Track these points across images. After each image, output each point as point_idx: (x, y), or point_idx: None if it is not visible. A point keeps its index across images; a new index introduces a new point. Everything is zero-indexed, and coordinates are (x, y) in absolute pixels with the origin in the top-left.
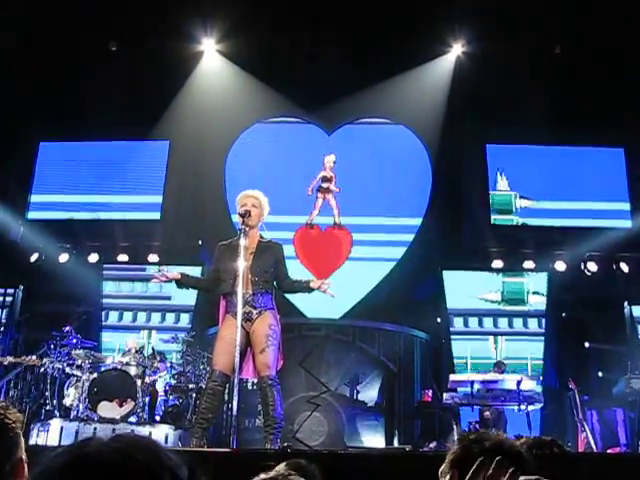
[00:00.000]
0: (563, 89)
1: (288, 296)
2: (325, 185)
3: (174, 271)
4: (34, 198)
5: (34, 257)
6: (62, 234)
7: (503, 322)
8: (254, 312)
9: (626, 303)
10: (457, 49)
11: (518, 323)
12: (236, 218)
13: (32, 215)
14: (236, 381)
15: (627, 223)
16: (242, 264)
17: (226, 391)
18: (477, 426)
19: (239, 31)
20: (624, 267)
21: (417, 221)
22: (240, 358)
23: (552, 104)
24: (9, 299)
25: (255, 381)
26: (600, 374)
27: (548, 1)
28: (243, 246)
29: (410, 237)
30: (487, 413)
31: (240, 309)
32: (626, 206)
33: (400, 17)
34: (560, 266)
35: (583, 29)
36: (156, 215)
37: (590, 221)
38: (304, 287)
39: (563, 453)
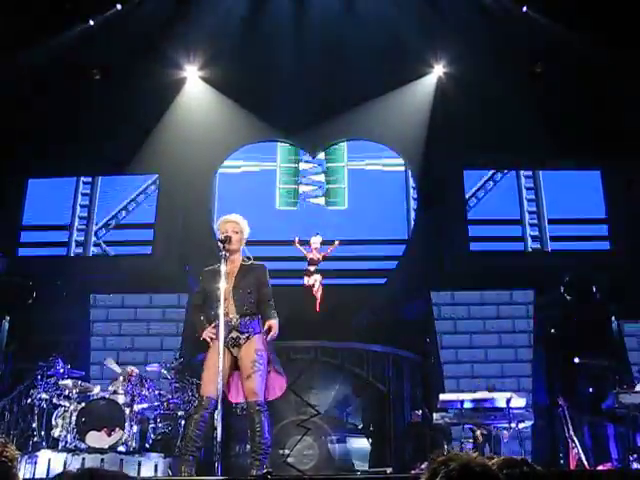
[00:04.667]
0: (541, 112)
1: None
2: (312, 268)
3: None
4: (24, 233)
5: (26, 295)
6: (52, 269)
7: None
8: (242, 337)
9: (613, 318)
10: (439, 70)
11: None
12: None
13: (22, 250)
14: (219, 407)
15: (605, 245)
16: (223, 289)
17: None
18: (470, 445)
19: (221, 57)
20: (603, 288)
21: (404, 241)
22: (229, 382)
23: (530, 127)
24: None
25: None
26: (590, 390)
27: (528, 22)
28: (224, 272)
29: (397, 258)
30: (478, 433)
31: (222, 334)
32: (603, 228)
33: (382, 38)
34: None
35: (561, 52)
36: (147, 249)
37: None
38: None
39: (533, 472)
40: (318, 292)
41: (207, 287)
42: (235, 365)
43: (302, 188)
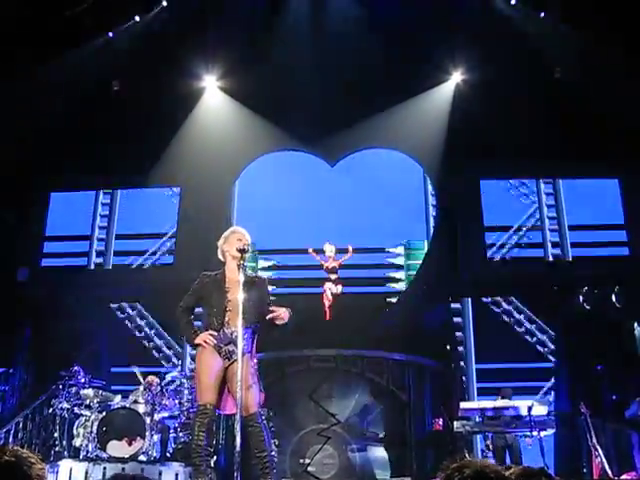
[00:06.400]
0: (559, 119)
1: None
2: (333, 277)
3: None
4: (46, 246)
5: (48, 307)
6: (75, 281)
7: None
8: (236, 353)
9: (636, 324)
10: (456, 77)
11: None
12: (232, 253)
13: (45, 263)
14: (237, 417)
15: (624, 252)
16: (242, 298)
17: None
18: (489, 454)
19: (239, 67)
20: (622, 298)
21: (423, 249)
22: (222, 394)
23: (548, 136)
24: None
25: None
26: (613, 397)
27: (546, 28)
28: (242, 282)
29: (416, 266)
30: (487, 442)
31: (240, 344)
32: (622, 235)
33: (399, 45)
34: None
35: (580, 58)
36: (169, 259)
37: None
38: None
39: None
40: (327, 300)
41: (206, 294)
42: (224, 376)
43: None
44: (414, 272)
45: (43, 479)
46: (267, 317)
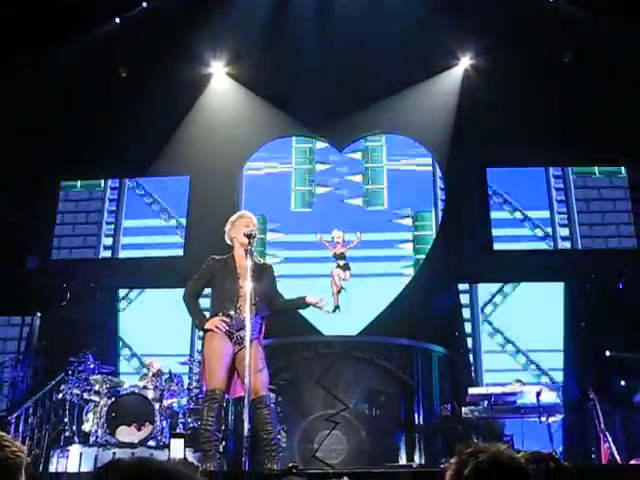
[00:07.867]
0: (567, 107)
1: (304, 314)
2: (341, 263)
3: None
4: (57, 234)
5: (60, 297)
6: (85, 272)
7: None
8: (245, 338)
9: None
10: (465, 62)
11: None
12: (240, 239)
13: (55, 253)
14: (246, 402)
15: (631, 243)
16: (250, 285)
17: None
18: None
19: (247, 53)
20: (629, 285)
21: (432, 234)
22: (230, 377)
23: (557, 123)
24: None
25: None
26: (622, 383)
27: (557, 12)
28: (250, 267)
29: (425, 251)
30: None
31: (249, 331)
32: (628, 227)
33: (407, 30)
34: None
35: (591, 44)
36: (179, 252)
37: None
38: (299, 304)
39: (560, 467)
40: (335, 286)
41: (216, 278)
42: (233, 360)
43: (321, 189)
44: (422, 245)
45: (18, 461)
46: (308, 300)
